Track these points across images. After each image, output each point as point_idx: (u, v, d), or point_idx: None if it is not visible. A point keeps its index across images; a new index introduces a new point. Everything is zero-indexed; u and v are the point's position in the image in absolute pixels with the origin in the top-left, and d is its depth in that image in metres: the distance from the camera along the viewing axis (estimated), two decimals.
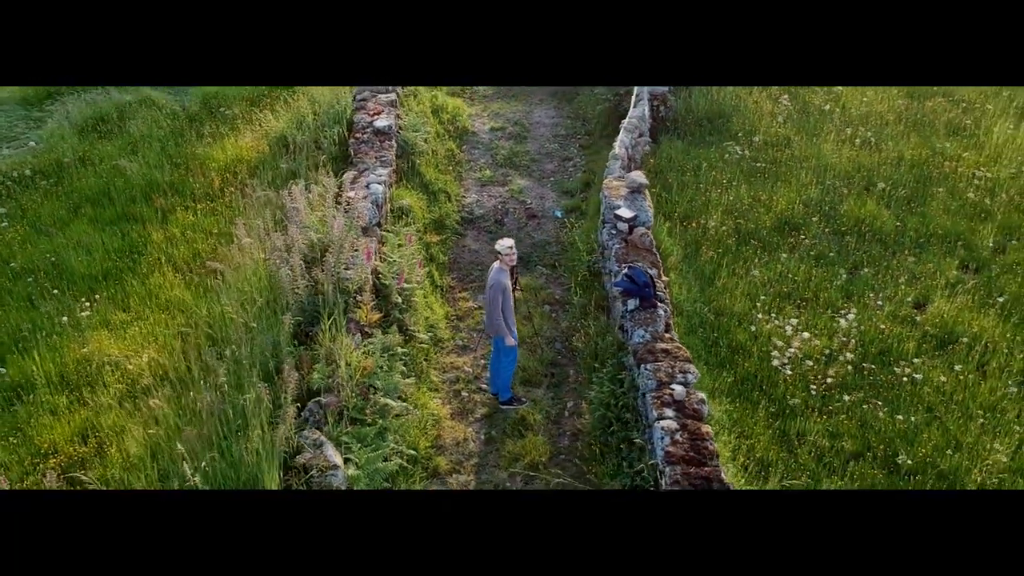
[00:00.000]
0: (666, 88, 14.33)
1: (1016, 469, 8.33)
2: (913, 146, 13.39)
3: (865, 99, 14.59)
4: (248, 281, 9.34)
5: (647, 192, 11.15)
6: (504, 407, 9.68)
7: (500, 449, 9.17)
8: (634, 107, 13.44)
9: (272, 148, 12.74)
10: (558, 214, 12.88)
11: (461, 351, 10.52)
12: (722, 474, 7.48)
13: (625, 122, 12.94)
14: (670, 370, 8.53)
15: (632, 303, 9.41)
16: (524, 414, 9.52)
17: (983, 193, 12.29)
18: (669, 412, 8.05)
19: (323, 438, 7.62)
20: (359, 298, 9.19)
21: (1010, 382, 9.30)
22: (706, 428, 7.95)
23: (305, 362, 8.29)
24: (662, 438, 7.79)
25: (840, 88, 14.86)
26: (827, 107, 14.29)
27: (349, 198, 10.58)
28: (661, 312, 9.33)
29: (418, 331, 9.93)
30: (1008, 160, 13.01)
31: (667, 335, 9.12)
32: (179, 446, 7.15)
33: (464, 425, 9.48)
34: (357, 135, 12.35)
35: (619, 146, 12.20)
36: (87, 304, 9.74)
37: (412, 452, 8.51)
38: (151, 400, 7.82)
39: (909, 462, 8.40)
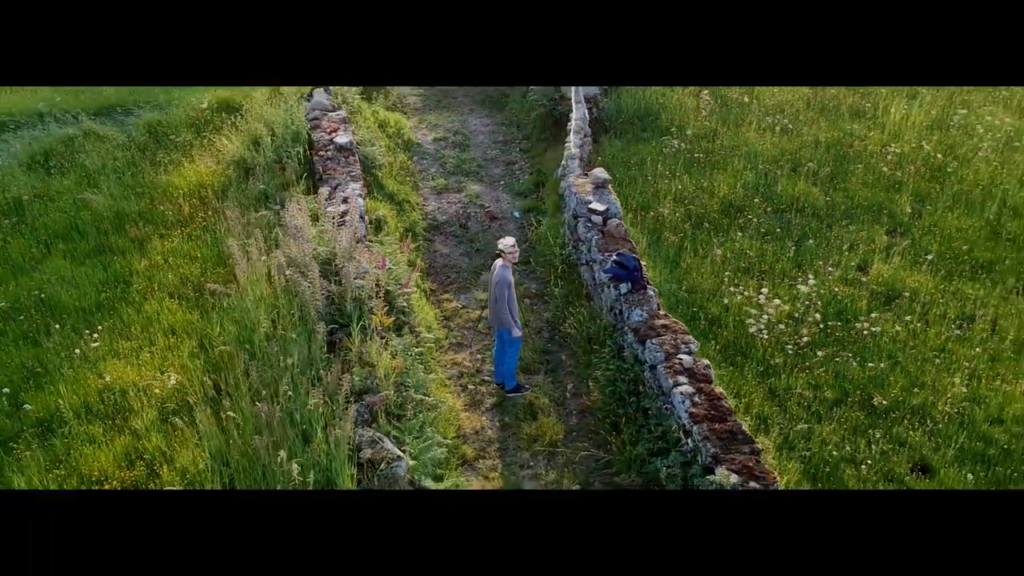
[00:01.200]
0: (597, 90, 15.29)
1: (973, 398, 9.60)
2: (824, 130, 14.84)
3: (776, 90, 15.99)
4: (258, 298, 9.63)
5: (610, 187, 12.03)
6: (511, 395, 10.31)
7: (517, 433, 9.81)
8: (575, 110, 14.32)
9: (232, 171, 12.91)
10: (516, 215, 13.60)
11: (458, 348, 11.08)
12: (743, 427, 8.38)
13: (572, 124, 13.79)
14: (673, 343, 9.39)
15: (624, 287, 10.23)
16: (531, 399, 10.18)
17: (893, 167, 13.79)
18: (683, 379, 8.90)
19: (379, 434, 8.07)
20: (371, 304, 9.63)
21: (953, 327, 10.64)
22: (718, 389, 8.84)
23: (341, 367, 8.69)
24: (683, 401, 8.62)
25: None
26: (745, 99, 15.60)
27: (339, 212, 10.96)
28: (651, 293, 10.20)
29: (422, 331, 10.44)
30: (908, 136, 14.60)
31: (661, 313, 9.99)
32: (254, 450, 7.49)
33: (478, 415, 10.07)
34: (320, 152, 12.70)
35: (574, 146, 13.04)
36: (94, 336, 9.75)
37: (448, 442, 9.04)
38: (223, 412, 8.03)
39: (884, 403, 9.55)
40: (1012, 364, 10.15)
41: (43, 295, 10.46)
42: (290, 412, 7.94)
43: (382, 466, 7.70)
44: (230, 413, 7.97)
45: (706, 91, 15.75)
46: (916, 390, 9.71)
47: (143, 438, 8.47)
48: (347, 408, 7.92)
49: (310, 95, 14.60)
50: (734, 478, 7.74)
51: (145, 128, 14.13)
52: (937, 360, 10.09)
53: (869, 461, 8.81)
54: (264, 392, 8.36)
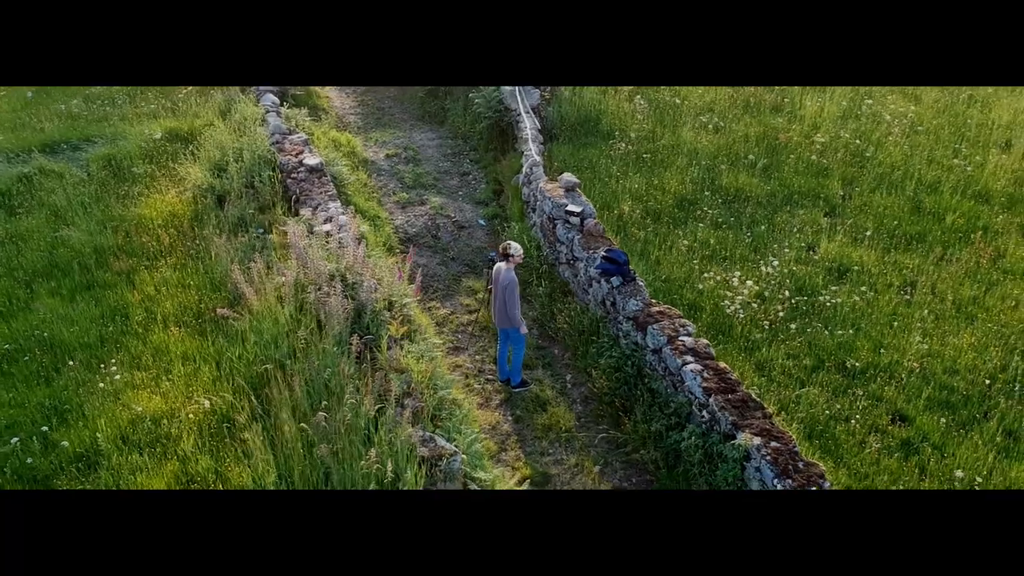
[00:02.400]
0: (539, 100, 16.06)
1: (931, 353, 10.83)
2: (751, 125, 16.07)
3: (703, 90, 17.17)
4: (275, 317, 9.93)
5: (579, 189, 12.80)
6: (517, 390, 10.93)
7: (531, 425, 10.44)
8: (525, 119, 15.04)
9: (202, 199, 13.02)
10: (482, 222, 14.20)
11: (456, 351, 11.60)
12: (752, 395, 9.28)
13: (528, 133, 14.51)
14: (672, 327, 10.22)
15: (616, 280, 11.01)
16: (537, 392, 10.83)
17: (819, 155, 15.11)
18: (689, 358, 9.73)
19: (430, 433, 8.56)
20: (387, 315, 10.08)
21: (899, 294, 11.90)
22: (723, 364, 9.72)
23: (376, 374, 9.12)
24: (694, 377, 9.45)
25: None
26: (677, 100, 16.69)
27: (329, 231, 11.32)
28: (641, 284, 11.01)
29: (428, 337, 10.92)
30: (826, 127, 16.00)
31: (653, 301, 10.81)
32: (320, 458, 7.86)
33: (491, 411, 10.63)
34: (293, 175, 12.98)
35: (536, 154, 13.76)
36: (112, 369, 9.81)
37: (482, 437, 9.60)
38: (279, 427, 8.32)
39: (856, 364, 10.66)
40: (955, 321, 11.45)
41: (44, 334, 10.40)
42: (348, 419, 8.33)
43: (442, 463, 8.19)
44: (289, 425, 8.30)
45: (639, 95, 16.76)
46: (882, 351, 10.86)
47: (190, 461, 8.67)
48: (402, 411, 8.38)
49: (258, 100, 14.82)
50: (756, 440, 8.61)
51: (101, 162, 14.01)
52: (895, 323, 11.29)
53: (858, 416, 9.86)
54: (309, 403, 8.71)
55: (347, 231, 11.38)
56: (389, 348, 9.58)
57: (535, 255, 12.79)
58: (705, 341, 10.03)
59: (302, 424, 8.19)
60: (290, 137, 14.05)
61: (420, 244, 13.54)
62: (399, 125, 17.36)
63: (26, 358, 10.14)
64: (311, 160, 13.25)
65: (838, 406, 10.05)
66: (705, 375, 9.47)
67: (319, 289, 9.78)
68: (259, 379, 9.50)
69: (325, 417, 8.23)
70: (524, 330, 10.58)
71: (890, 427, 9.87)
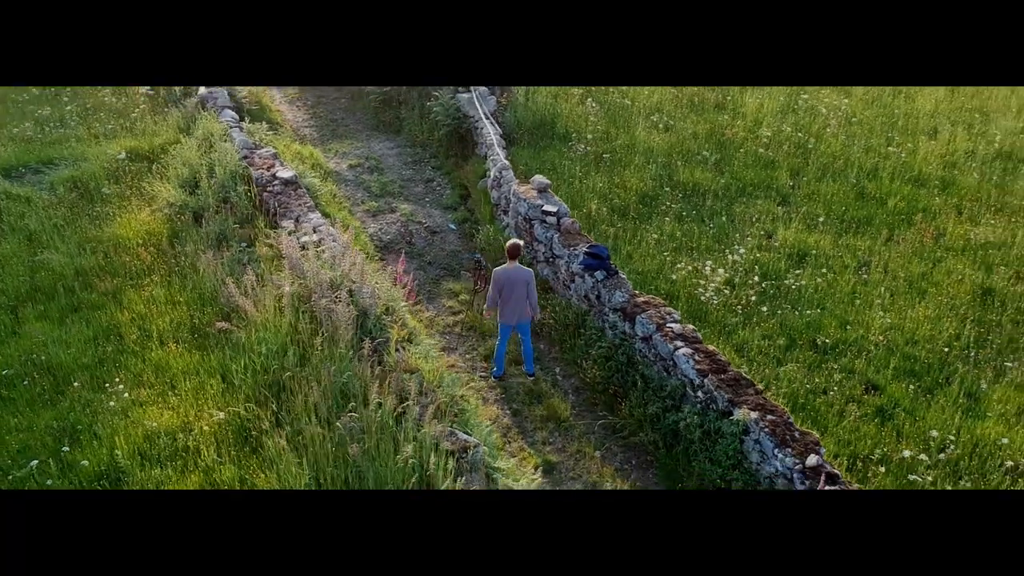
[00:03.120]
0: (495, 106, 16.52)
1: (893, 327, 11.67)
2: (698, 123, 16.85)
3: (649, 91, 17.90)
4: (278, 326, 10.14)
5: (551, 190, 13.31)
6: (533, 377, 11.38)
7: (529, 416, 10.87)
8: (487, 125, 15.49)
9: (178, 216, 13.07)
10: (452, 227, 14.58)
11: (447, 351, 11.96)
12: (742, 373, 9.91)
13: (493, 139, 14.95)
14: (659, 315, 10.80)
15: (600, 274, 11.54)
16: (530, 386, 11.28)
17: (766, 148, 15.97)
18: (679, 343, 10.33)
19: (450, 428, 8.92)
20: (387, 319, 10.39)
21: (859, 274, 12.76)
22: (711, 347, 10.35)
23: (392, 376, 9.44)
24: (687, 361, 10.04)
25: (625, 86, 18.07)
26: (627, 102, 17.36)
27: (317, 240, 11.55)
28: (623, 277, 11.57)
29: (423, 339, 11.26)
30: (768, 121, 16.89)
31: (637, 292, 11.38)
32: (351, 458, 8.16)
33: (489, 406, 11.03)
34: (268, 188, 13.14)
35: (503, 157, 14.21)
36: (119, 388, 9.87)
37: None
38: (304, 432, 8.55)
39: (827, 341, 11.43)
40: (908, 296, 12.35)
41: (41, 357, 10.37)
42: (374, 419, 8.63)
43: (467, 454, 8.57)
44: (313, 429, 8.56)
45: (590, 98, 17.38)
46: (848, 327, 11.66)
47: (214, 472, 8.83)
48: (424, 409, 8.73)
49: (218, 115, 14.86)
50: (754, 414, 9.24)
51: (67, 185, 13.89)
52: (857, 301, 12.13)
53: (835, 388, 10.61)
54: (327, 407, 8.97)
55: (336, 240, 11.62)
56: (396, 351, 9.90)
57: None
58: (692, 327, 10.64)
59: (337, 424, 8.45)
60: (259, 151, 14.18)
61: (396, 251, 13.83)
62: (355, 136, 17.59)
63: (25, 382, 10.10)
64: (285, 173, 13.42)
65: (817, 380, 10.78)
66: (697, 358, 10.07)
67: (323, 297, 10.01)
68: (271, 388, 9.71)
69: (353, 418, 8.52)
70: (538, 315, 11.13)
71: (864, 397, 10.64)
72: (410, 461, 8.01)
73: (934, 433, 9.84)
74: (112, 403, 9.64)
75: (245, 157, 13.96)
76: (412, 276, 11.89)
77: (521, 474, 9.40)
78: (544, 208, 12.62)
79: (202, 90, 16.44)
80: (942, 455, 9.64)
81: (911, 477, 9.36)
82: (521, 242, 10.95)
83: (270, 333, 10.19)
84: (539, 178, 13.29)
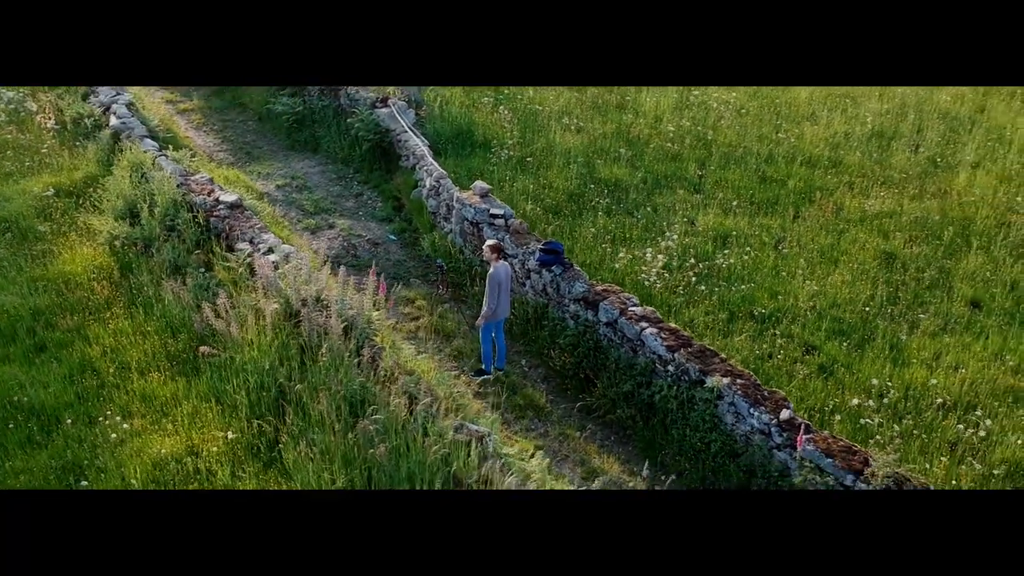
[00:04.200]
0: (414, 119, 17.04)
1: (817, 294, 12.99)
2: (605, 123, 17.92)
3: (554, 96, 18.83)
4: (268, 344, 10.40)
5: (492, 194, 13.98)
6: (477, 378, 11.95)
7: (508, 407, 11.51)
8: (414, 137, 16.01)
9: (126, 248, 12.97)
10: (392, 237, 15.02)
11: (418, 354, 12.43)
12: (706, 345, 10.90)
13: (424, 150, 15.49)
14: (619, 301, 11.68)
15: (557, 269, 12.30)
16: (501, 378, 11.92)
17: (671, 143, 17.19)
18: (644, 324, 11.23)
19: (460, 421, 9.47)
20: (369, 328, 10.81)
21: (779, 249, 14.07)
22: (674, 324, 11.30)
23: (392, 380, 9.89)
24: (654, 339, 10.96)
25: (531, 91, 18.93)
26: (538, 107, 18.22)
27: (282, 258, 11.80)
28: (578, 269, 12.39)
29: (402, 345, 11.71)
30: (667, 118, 18.15)
31: (594, 282, 12.22)
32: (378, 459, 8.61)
33: (470, 401, 11.60)
34: (215, 213, 13.21)
35: (439, 166, 14.77)
36: (116, 420, 9.88)
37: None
38: (324, 440, 8.88)
39: (763, 311, 12.61)
40: (824, 266, 13.74)
41: (22, 399, 10.22)
42: (399, 419, 9.08)
43: (481, 444, 9.15)
44: (339, 435, 8.94)
45: (502, 105, 18.15)
46: (779, 297, 12.90)
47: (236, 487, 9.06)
48: (433, 405, 9.25)
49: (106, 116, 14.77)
50: (725, 380, 10.23)
51: None
52: (783, 273, 13.40)
53: (780, 353, 11.77)
54: (337, 414, 9.34)
55: (300, 259, 11.90)
56: (386, 355, 10.34)
57: (459, 259, 13.83)
58: (651, 308, 11.58)
59: (358, 427, 8.85)
60: (194, 177, 14.18)
61: (343, 263, 14.10)
62: (272, 157, 17.68)
63: (11, 425, 9.95)
64: (228, 197, 13.52)
65: (764, 346, 11.92)
66: (663, 336, 11.00)
67: (313, 311, 10.34)
68: (272, 404, 9.97)
69: (375, 420, 8.95)
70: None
71: (805, 357, 11.85)
72: (441, 453, 8.52)
73: (874, 381, 11.13)
74: (114, 435, 9.66)
75: (180, 184, 13.94)
76: (390, 287, 12.25)
77: (526, 458, 10.03)
78: (491, 211, 13.29)
79: (114, 121, 16.17)
80: (884, 400, 10.94)
81: (862, 421, 10.60)
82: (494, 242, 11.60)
83: (258, 352, 10.43)
84: (480, 183, 13.94)
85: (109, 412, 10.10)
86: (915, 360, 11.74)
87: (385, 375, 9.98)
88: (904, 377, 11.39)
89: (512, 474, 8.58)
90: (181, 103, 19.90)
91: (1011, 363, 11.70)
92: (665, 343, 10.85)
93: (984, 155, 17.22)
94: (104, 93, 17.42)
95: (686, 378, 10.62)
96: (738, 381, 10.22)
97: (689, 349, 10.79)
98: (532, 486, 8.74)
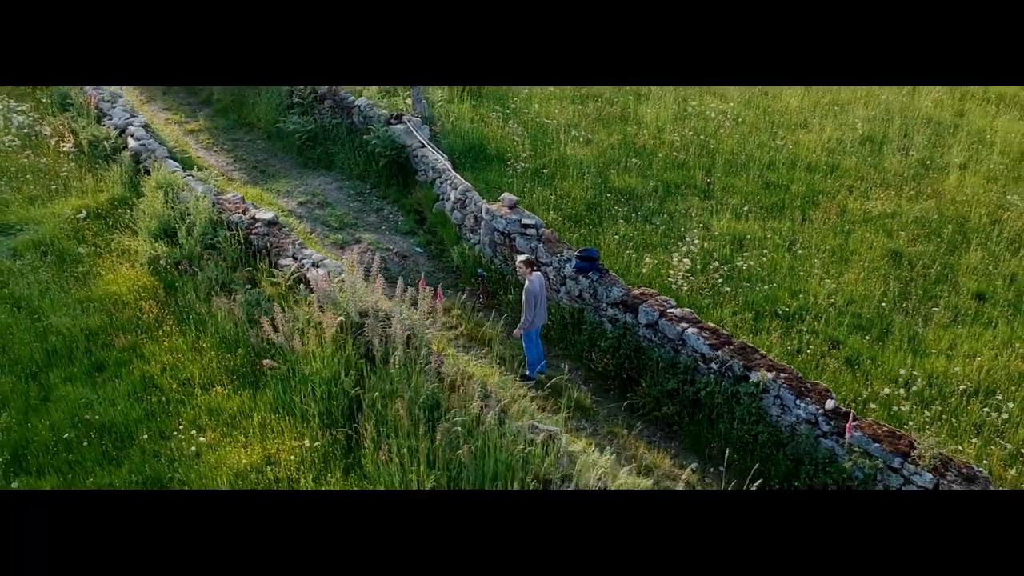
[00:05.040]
0: (429, 135, 17.50)
1: (836, 291, 13.70)
2: (611, 135, 18.55)
3: (558, 110, 19.42)
4: (331, 355, 10.77)
5: (520, 206, 14.49)
6: (523, 382, 12.45)
7: (555, 408, 12.00)
8: (432, 152, 16.46)
9: (164, 267, 13.22)
10: (418, 250, 15.45)
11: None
12: (745, 343, 11.52)
13: (446, 164, 15.96)
14: (658, 303, 12.25)
15: (594, 275, 12.85)
16: (543, 381, 12.42)
17: (677, 152, 17.87)
18: (685, 324, 11.82)
19: (531, 422, 9.96)
20: (429, 335, 11.25)
21: (793, 250, 14.78)
22: (712, 324, 11.91)
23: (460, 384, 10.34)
24: (697, 338, 11.55)
25: (537, 105, 19.50)
26: (547, 121, 18.79)
27: (326, 273, 12.18)
28: (613, 274, 12.94)
29: (449, 350, 12.16)
30: (669, 128, 18.84)
31: (631, 286, 12.78)
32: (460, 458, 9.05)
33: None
34: (253, 231, 13.54)
35: (461, 180, 15.26)
36: (192, 433, 10.18)
37: None
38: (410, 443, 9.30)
39: (787, 310, 13.29)
40: (836, 265, 14.48)
41: (94, 417, 10.46)
42: (490, 419, 9.52)
43: (553, 442, 9.64)
44: (424, 438, 9.36)
45: (511, 119, 18.69)
46: (800, 296, 13.59)
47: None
48: (510, 408, 9.72)
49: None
50: (770, 375, 10.85)
51: (34, 250, 13.65)
52: (801, 273, 14.10)
53: (809, 349, 12.44)
54: (412, 420, 9.76)
55: (346, 273, 12.27)
56: (446, 361, 10.78)
57: (490, 269, 14.31)
58: (689, 310, 12.17)
59: (449, 428, 9.29)
60: (226, 196, 14.49)
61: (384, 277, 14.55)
62: (287, 175, 18.00)
63: (85, 443, 10.19)
64: (264, 215, 13.85)
65: (792, 343, 12.58)
66: (704, 334, 11.60)
67: (378, 322, 10.75)
68: (343, 411, 10.35)
69: (456, 423, 9.39)
70: None
71: (831, 352, 12.54)
72: (527, 450, 9.00)
73: (901, 371, 11.84)
74: (192, 448, 9.97)
75: (214, 204, 14.23)
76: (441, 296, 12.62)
77: (590, 453, 10.53)
78: (523, 222, 13.80)
79: (133, 143, 16.38)
80: (912, 388, 11.65)
81: (894, 409, 11.29)
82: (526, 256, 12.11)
83: (322, 363, 10.80)
84: (508, 195, 14.44)
85: (182, 427, 10.40)
86: (933, 351, 12.49)
87: (451, 381, 10.42)
88: (925, 367, 12.12)
89: (594, 470, 9.07)
90: (187, 123, 20.13)
91: (1021, 350, 12.50)
92: (707, 342, 11.44)
93: (969, 157, 18.17)
94: (118, 116, 17.61)
95: (730, 374, 11.21)
96: (781, 375, 10.84)
97: (731, 347, 11.39)
98: (612, 481, 9.24)
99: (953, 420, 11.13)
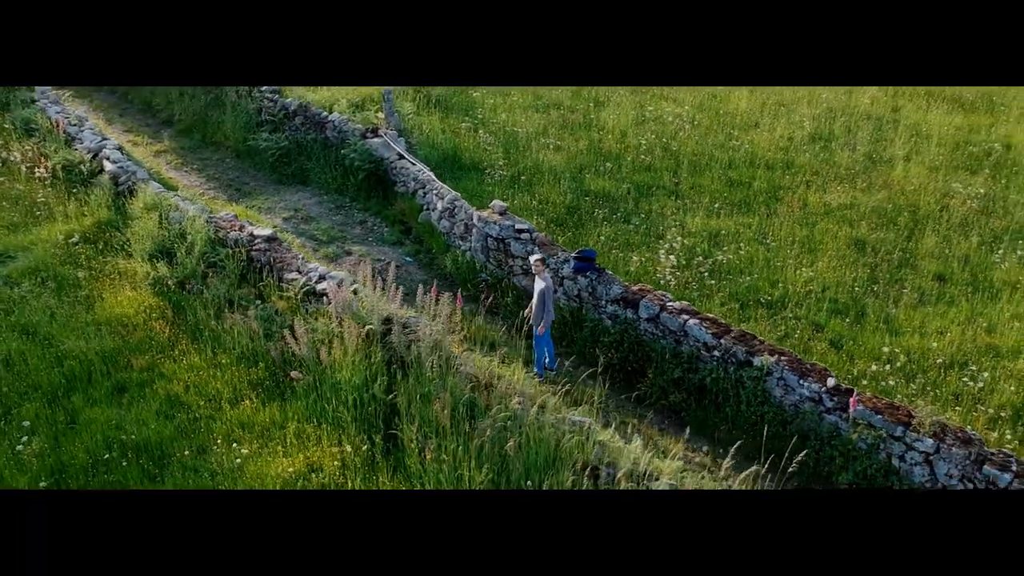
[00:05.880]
0: (405, 146, 17.89)
1: (813, 278, 14.64)
2: (578, 141, 19.25)
3: (524, 119, 20.03)
4: (360, 361, 11.13)
5: (509, 212, 15.04)
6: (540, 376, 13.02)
7: (567, 401, 12.58)
8: (414, 163, 16.87)
9: (167, 287, 13.33)
10: (408, 259, 15.84)
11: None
12: (744, 330, 12.30)
13: (430, 174, 16.38)
14: (657, 298, 12.95)
15: (592, 274, 13.47)
16: (551, 377, 12.99)
17: (643, 155, 18.68)
18: (686, 316, 12.54)
19: (563, 415, 10.51)
20: (451, 339, 11.71)
21: (765, 243, 15.69)
22: (711, 315, 12.66)
23: (493, 384, 10.83)
24: (699, 328, 12.28)
25: (504, 114, 20.08)
26: (517, 130, 19.37)
27: (336, 285, 12.52)
28: (610, 273, 13.60)
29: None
30: (631, 133, 19.64)
31: (628, 283, 13.45)
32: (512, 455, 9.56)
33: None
34: (255, 248, 13.75)
35: (448, 190, 15.72)
36: (234, 446, 10.40)
37: None
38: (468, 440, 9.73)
39: (769, 298, 14.16)
40: (807, 255, 15.44)
41: (124, 438, 10.58)
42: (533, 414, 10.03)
43: (586, 433, 10.21)
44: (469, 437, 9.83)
45: (481, 129, 19.22)
46: (780, 285, 14.49)
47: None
48: (554, 402, 10.27)
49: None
50: (772, 359, 11.64)
51: (31, 277, 13.56)
52: (777, 263, 15.01)
53: (797, 334, 13.31)
54: (452, 418, 10.22)
55: (359, 284, 12.63)
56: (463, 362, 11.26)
57: (489, 273, 14.81)
58: (686, 302, 12.91)
59: (492, 424, 9.76)
60: (219, 215, 14.64)
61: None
62: (262, 191, 18.14)
63: (124, 463, 10.32)
64: (262, 231, 14.07)
65: (780, 329, 13.44)
66: (705, 325, 12.34)
67: (404, 330, 11.16)
68: (379, 416, 10.72)
69: (498, 419, 9.88)
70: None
71: (816, 335, 13.44)
72: (575, 439, 9.56)
73: (884, 349, 12.80)
74: (237, 460, 10.20)
75: (209, 222, 14.38)
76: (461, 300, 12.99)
77: (617, 441, 11.13)
78: (516, 227, 14.35)
79: (110, 166, 16.33)
80: (897, 365, 12.60)
81: (882, 384, 12.22)
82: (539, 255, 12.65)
83: (350, 370, 11.14)
84: (498, 202, 14.98)
85: (220, 441, 10.61)
86: (906, 329, 13.51)
87: (485, 381, 10.91)
88: (902, 344, 13.11)
89: (634, 455, 9.69)
90: (152, 144, 20.06)
91: (984, 325, 13.62)
92: (709, 331, 12.18)
93: (911, 149, 19.48)
94: (88, 139, 17.50)
95: (733, 360, 11.97)
96: (782, 358, 11.65)
97: (731, 335, 12.16)
98: (644, 464, 9.87)
99: (936, 391, 12.10)
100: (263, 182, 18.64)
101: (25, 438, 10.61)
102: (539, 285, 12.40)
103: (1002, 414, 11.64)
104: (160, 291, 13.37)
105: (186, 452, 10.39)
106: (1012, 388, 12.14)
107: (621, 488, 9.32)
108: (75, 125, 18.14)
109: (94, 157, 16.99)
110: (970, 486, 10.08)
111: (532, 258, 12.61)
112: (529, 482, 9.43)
